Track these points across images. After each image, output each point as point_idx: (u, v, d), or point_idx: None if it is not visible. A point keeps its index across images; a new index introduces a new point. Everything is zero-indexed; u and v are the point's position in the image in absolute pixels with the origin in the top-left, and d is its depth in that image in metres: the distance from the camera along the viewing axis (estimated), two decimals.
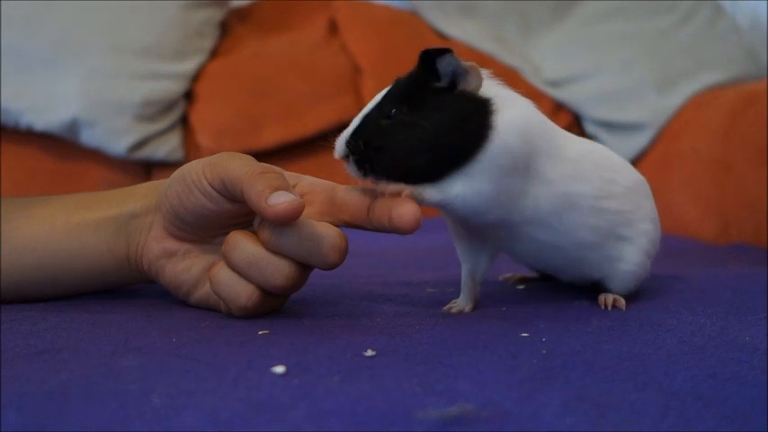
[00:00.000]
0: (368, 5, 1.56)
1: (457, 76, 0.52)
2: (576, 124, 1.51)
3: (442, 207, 0.53)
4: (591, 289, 0.62)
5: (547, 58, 1.54)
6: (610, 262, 0.59)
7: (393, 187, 0.51)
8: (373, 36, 1.49)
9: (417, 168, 0.51)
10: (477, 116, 0.52)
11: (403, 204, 0.50)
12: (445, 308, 0.58)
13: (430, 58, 0.51)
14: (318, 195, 0.55)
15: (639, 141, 1.43)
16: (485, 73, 0.54)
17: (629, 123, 1.44)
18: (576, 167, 0.56)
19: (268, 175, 0.50)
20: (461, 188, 0.52)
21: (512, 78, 1.49)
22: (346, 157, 0.52)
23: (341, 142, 0.53)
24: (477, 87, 0.53)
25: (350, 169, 0.52)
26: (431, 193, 0.52)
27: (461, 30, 1.55)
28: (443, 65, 0.51)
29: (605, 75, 1.49)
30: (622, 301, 0.59)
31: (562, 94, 1.50)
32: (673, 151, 1.36)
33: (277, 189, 0.49)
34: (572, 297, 0.63)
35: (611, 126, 1.47)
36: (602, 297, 0.60)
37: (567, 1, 1.58)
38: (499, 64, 1.51)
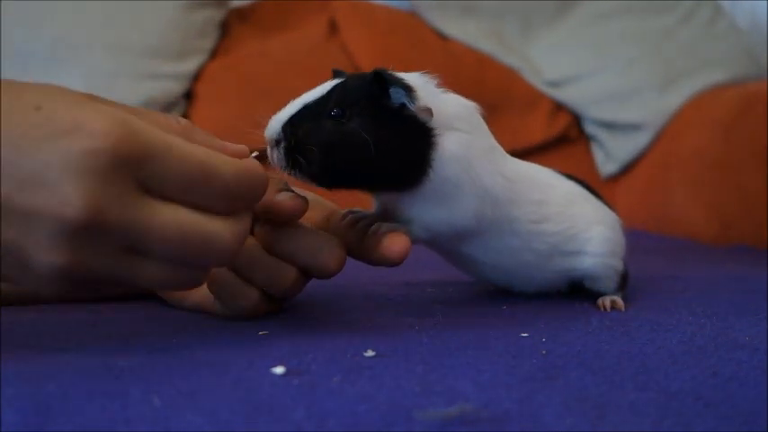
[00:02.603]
0: (368, 5, 1.56)
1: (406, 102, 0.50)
2: (575, 124, 1.51)
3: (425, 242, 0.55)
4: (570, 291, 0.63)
5: (547, 58, 1.54)
6: (571, 273, 0.61)
7: (387, 226, 0.52)
8: (373, 36, 1.49)
9: (346, 180, 0.51)
10: (418, 146, 0.51)
11: (394, 236, 0.51)
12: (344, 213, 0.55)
13: (383, 82, 0.50)
14: (317, 212, 0.55)
15: (639, 141, 1.43)
16: (433, 84, 0.53)
17: (629, 123, 1.44)
18: (513, 189, 0.56)
19: (273, 178, 0.49)
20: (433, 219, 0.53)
21: (512, 78, 1.49)
22: (277, 143, 0.50)
23: (276, 125, 0.50)
24: (425, 121, 0.51)
25: (275, 156, 0.50)
26: (418, 232, 0.53)
27: (461, 30, 1.55)
28: (396, 95, 0.50)
29: (605, 75, 1.49)
30: (620, 303, 0.59)
31: (562, 94, 1.50)
32: (673, 151, 1.36)
33: (281, 190, 0.49)
34: (572, 297, 0.63)
35: (611, 126, 1.47)
36: (600, 300, 0.60)
37: (567, 1, 1.58)
38: (499, 64, 1.51)
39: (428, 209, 0.53)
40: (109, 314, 0.56)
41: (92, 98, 0.41)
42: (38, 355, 0.42)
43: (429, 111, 0.51)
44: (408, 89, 0.50)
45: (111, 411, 0.33)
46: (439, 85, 0.53)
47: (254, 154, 0.47)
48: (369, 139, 0.49)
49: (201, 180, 0.40)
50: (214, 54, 1.48)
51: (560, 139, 1.47)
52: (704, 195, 1.24)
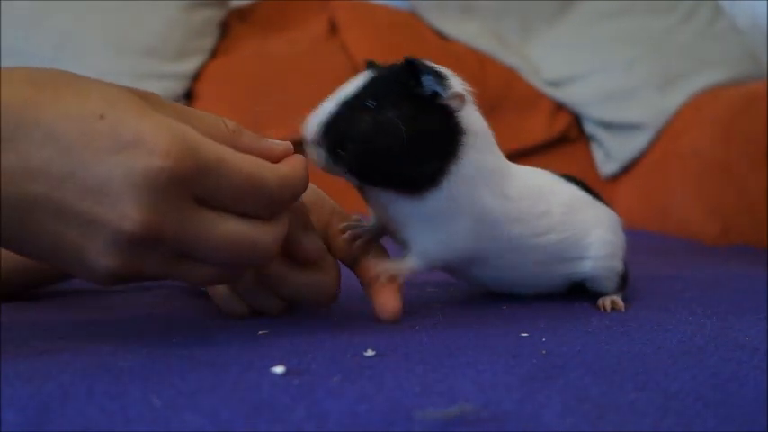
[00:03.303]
0: (368, 5, 1.56)
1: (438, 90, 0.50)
2: (575, 124, 1.51)
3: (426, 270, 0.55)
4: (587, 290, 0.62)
5: (547, 57, 1.54)
6: (572, 277, 0.61)
7: (385, 267, 0.52)
8: (373, 36, 1.49)
9: (380, 174, 0.50)
10: (445, 140, 0.51)
11: (388, 295, 0.52)
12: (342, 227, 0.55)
13: (415, 70, 0.50)
14: (322, 212, 0.55)
15: (639, 141, 1.43)
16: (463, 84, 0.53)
17: (629, 123, 1.44)
18: (517, 208, 0.55)
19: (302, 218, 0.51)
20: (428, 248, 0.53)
21: (512, 78, 1.49)
22: (317, 143, 0.50)
23: (314, 123, 0.50)
24: (457, 108, 0.51)
25: (317, 155, 0.50)
26: (414, 263, 0.53)
27: (461, 30, 1.55)
28: (428, 82, 0.50)
29: (605, 75, 1.49)
30: (620, 303, 0.59)
31: (562, 94, 1.50)
32: (673, 151, 1.36)
33: (306, 229, 0.51)
34: (572, 297, 0.63)
35: (611, 126, 1.47)
36: (600, 300, 0.60)
37: (567, 1, 1.58)
38: (499, 64, 1.51)
39: (427, 231, 0.53)
40: (109, 314, 0.56)
41: (152, 102, 0.43)
42: (38, 355, 0.42)
43: (461, 96, 0.50)
44: (440, 76, 0.50)
45: (111, 411, 0.33)
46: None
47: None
48: (402, 127, 0.49)
49: (250, 191, 0.43)
50: (214, 54, 1.48)
51: (560, 139, 1.47)
52: (704, 195, 1.24)
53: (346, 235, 0.54)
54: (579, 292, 0.63)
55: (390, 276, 0.52)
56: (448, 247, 0.54)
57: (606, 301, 0.59)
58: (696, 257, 1.00)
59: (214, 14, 1.49)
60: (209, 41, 1.47)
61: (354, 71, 1.60)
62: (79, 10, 1.39)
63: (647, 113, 1.43)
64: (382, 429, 0.32)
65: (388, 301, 0.52)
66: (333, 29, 1.53)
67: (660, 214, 1.34)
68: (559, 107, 1.50)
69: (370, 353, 0.43)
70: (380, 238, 0.56)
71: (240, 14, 1.57)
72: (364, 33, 1.50)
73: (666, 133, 1.41)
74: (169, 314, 0.56)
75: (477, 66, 1.49)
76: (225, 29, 1.53)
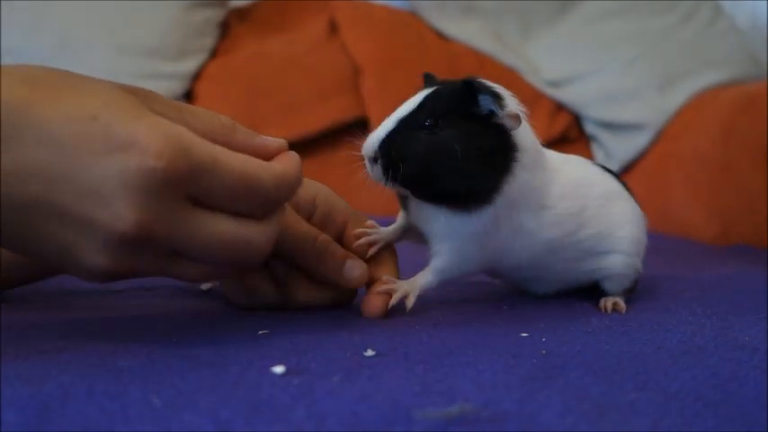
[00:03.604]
0: (368, 5, 1.56)
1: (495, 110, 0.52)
2: (575, 124, 1.51)
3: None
4: (587, 289, 0.62)
5: (547, 57, 1.54)
6: (593, 273, 0.61)
7: (402, 284, 0.54)
8: (373, 36, 1.49)
9: (437, 190, 0.52)
10: (500, 159, 0.52)
11: (378, 299, 0.54)
12: (358, 233, 0.57)
13: (473, 90, 0.51)
14: (336, 214, 0.56)
15: (639, 141, 1.43)
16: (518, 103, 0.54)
17: (629, 123, 1.44)
18: (554, 213, 0.56)
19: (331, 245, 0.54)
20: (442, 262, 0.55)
21: (512, 78, 1.49)
22: (374, 160, 0.52)
23: (373, 142, 0.52)
24: (512, 128, 0.53)
25: (374, 172, 0.52)
26: (429, 280, 0.55)
27: (461, 30, 1.55)
28: (484, 101, 0.51)
29: (605, 75, 1.49)
30: (622, 305, 0.59)
31: (562, 94, 1.50)
32: (673, 151, 1.36)
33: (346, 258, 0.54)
34: (572, 297, 0.63)
35: (611, 126, 1.47)
36: (602, 301, 0.60)
37: (567, 1, 1.58)
38: (499, 64, 1.51)
39: (457, 246, 0.54)
40: (109, 314, 0.56)
41: (149, 99, 0.43)
42: (38, 355, 0.42)
43: (516, 117, 0.52)
44: (497, 96, 0.51)
45: (111, 411, 0.33)
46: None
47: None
48: (458, 147, 0.50)
49: (244, 191, 0.43)
50: (214, 54, 1.48)
51: (560, 140, 1.47)
52: (704, 195, 1.24)
53: (362, 240, 0.55)
54: (579, 293, 0.63)
55: (401, 297, 0.54)
56: (473, 266, 0.56)
57: (608, 303, 0.59)
58: (696, 257, 1.00)
59: (214, 14, 1.49)
60: (209, 41, 1.47)
61: (355, 71, 1.60)
62: (79, 10, 1.39)
63: (647, 113, 1.42)
64: (382, 429, 0.32)
65: (375, 304, 0.54)
66: (333, 29, 1.53)
67: (660, 214, 1.34)
68: (559, 107, 1.50)
69: (370, 353, 0.43)
70: (395, 243, 0.57)
71: (240, 14, 1.57)
72: (364, 33, 1.49)
73: (666, 133, 1.40)
74: (169, 314, 0.56)
75: (478, 66, 1.49)
76: (225, 29, 1.53)
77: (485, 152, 0.51)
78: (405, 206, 0.56)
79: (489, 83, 0.53)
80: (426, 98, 0.52)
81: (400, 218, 0.57)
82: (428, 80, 0.56)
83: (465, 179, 0.51)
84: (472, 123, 0.51)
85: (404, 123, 0.52)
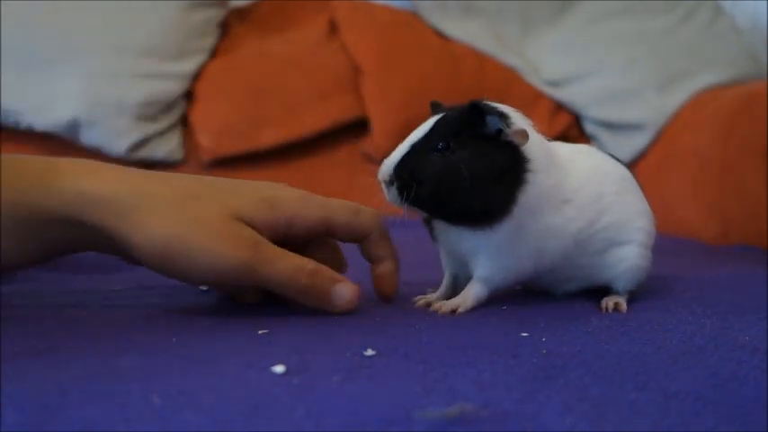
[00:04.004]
0: (368, 5, 1.56)
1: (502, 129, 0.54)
2: (576, 124, 1.51)
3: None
4: (595, 291, 0.63)
5: (547, 57, 1.54)
6: (614, 266, 0.61)
7: (452, 301, 0.57)
8: (373, 36, 1.49)
9: (451, 209, 0.54)
10: (512, 176, 0.54)
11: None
12: (416, 299, 0.60)
13: (480, 111, 0.53)
14: (356, 226, 0.57)
15: (639, 141, 1.43)
16: (524, 118, 0.56)
17: (629, 123, 1.44)
18: (573, 205, 0.57)
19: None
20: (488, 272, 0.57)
21: (512, 78, 1.49)
22: (390, 183, 0.54)
23: (388, 167, 0.54)
24: (520, 144, 0.54)
25: (389, 195, 0.54)
26: (479, 293, 0.57)
27: (461, 30, 1.55)
28: (492, 122, 0.53)
29: (605, 74, 1.49)
30: (623, 305, 0.59)
31: (562, 94, 1.50)
32: (673, 151, 1.36)
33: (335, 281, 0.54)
34: (572, 297, 0.63)
35: (611, 126, 1.47)
36: (604, 301, 0.60)
37: (567, 1, 1.58)
38: (499, 64, 1.51)
39: (494, 259, 0.56)
40: (109, 314, 0.56)
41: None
42: (38, 355, 0.42)
43: (524, 133, 0.54)
44: (503, 116, 0.53)
45: (110, 411, 0.33)
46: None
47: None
48: (471, 168, 0.53)
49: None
50: (214, 54, 1.48)
51: (560, 139, 1.47)
52: (704, 195, 1.24)
53: (420, 303, 0.59)
54: (580, 293, 0.63)
55: (450, 312, 0.56)
56: (514, 273, 0.58)
57: (610, 302, 0.59)
58: (696, 257, 1.01)
59: (214, 14, 1.49)
60: (209, 41, 1.47)
61: (355, 71, 1.60)
62: (79, 10, 1.39)
63: (647, 113, 1.43)
64: (382, 429, 0.32)
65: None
66: (333, 29, 1.53)
67: (660, 214, 1.33)
68: (559, 107, 1.50)
69: (370, 352, 0.43)
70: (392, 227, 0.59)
71: (240, 14, 1.57)
72: (364, 33, 1.49)
73: (666, 133, 1.40)
74: (169, 314, 0.56)
75: (478, 66, 1.49)
76: (225, 29, 1.53)
77: (497, 169, 0.53)
78: (433, 237, 0.59)
79: (494, 103, 0.55)
80: (437, 123, 0.55)
81: (446, 277, 0.61)
82: (435, 108, 0.58)
83: (480, 196, 0.53)
84: (483, 143, 0.54)
85: (417, 147, 0.54)
